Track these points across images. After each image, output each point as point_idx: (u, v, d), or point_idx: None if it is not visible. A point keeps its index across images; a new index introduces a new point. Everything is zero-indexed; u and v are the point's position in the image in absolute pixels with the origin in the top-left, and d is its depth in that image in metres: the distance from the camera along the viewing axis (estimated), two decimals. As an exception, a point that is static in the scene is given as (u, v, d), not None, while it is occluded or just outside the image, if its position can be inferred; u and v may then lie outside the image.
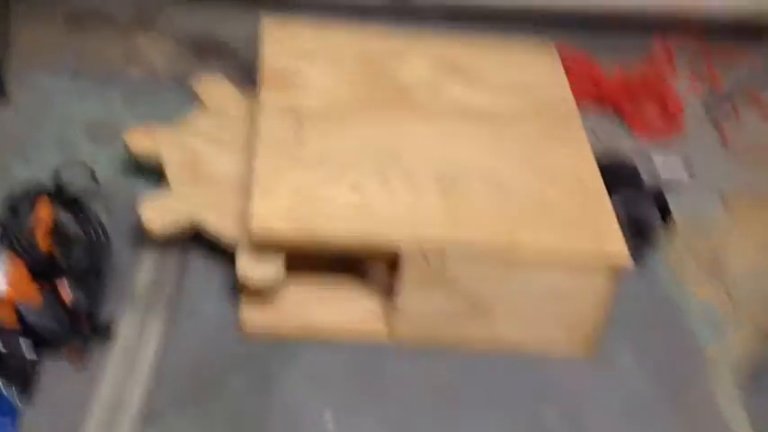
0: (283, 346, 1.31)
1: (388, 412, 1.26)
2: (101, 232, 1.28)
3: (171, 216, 1.33)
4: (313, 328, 1.33)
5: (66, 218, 1.28)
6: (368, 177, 1.30)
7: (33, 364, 1.21)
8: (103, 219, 1.31)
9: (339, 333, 1.33)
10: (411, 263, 1.24)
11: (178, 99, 1.56)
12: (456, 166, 1.34)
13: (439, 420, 1.27)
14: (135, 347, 1.25)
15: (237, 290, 1.33)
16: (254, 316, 1.33)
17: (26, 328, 1.20)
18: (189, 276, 1.37)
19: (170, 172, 1.38)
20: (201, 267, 1.38)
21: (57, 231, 1.25)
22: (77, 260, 1.25)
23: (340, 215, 1.25)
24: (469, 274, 1.26)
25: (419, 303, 1.29)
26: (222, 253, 1.36)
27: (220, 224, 1.33)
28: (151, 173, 1.44)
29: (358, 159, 1.33)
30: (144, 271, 1.34)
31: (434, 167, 1.33)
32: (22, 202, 1.22)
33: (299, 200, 1.27)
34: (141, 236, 1.36)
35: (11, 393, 1.18)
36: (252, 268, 1.26)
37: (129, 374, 1.23)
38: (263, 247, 1.26)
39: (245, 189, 1.32)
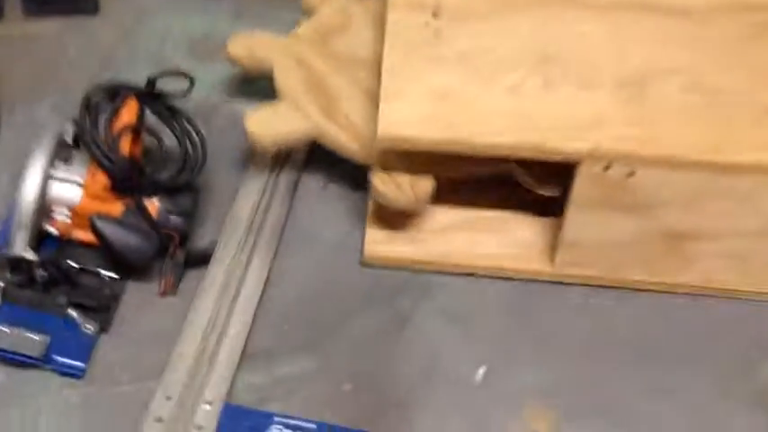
0: (417, 282, 1.05)
1: (554, 367, 0.98)
2: (199, 145, 1.04)
3: (283, 127, 1.10)
4: (453, 260, 1.06)
5: (158, 126, 1.05)
6: (529, 79, 1.02)
7: (113, 289, 1.00)
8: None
9: (488, 268, 1.06)
10: (587, 179, 0.96)
11: (292, 16, 1.33)
12: (642, 68, 1.04)
13: (625, 379, 0.97)
14: (237, 278, 1.02)
15: (362, 214, 1.08)
16: (380, 245, 1.07)
17: (106, 247, 0.98)
18: (301, 199, 1.12)
19: (281, 80, 1.14)
20: (315, 189, 1.14)
21: (145, 140, 1.03)
22: (170, 175, 1.02)
23: (494, 122, 0.98)
24: (664, 196, 0.97)
25: (594, 232, 1.01)
26: (340, 171, 1.12)
27: (343, 136, 1.08)
28: (257, 92, 1.21)
29: (514, 59, 1.05)
30: (248, 193, 1.11)
31: (614, 69, 1.04)
32: (104, 102, 1.00)
33: (441, 104, 1.00)
34: (245, 157, 1.14)
35: (88, 327, 0.97)
36: (388, 186, 1.01)
37: (229, 308, 0.99)
38: (397, 159, 1.00)
39: (371, 96, 1.07)
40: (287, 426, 0.90)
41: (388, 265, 1.07)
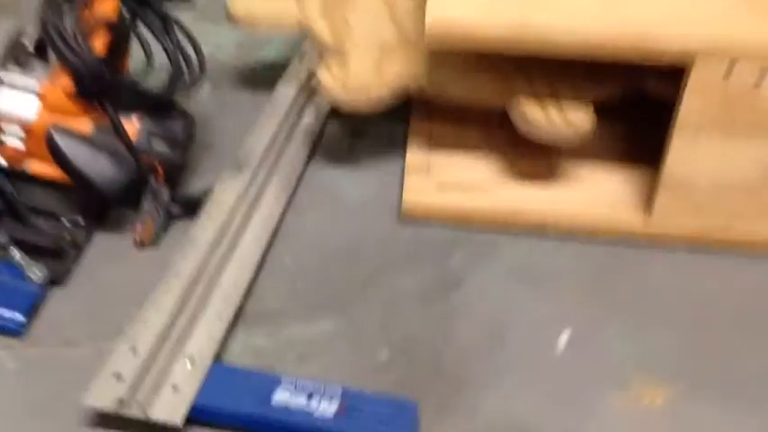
0: (472, 240, 0.81)
1: (659, 337, 0.72)
2: (195, 61, 0.82)
3: (268, 9, 0.89)
4: (521, 216, 0.82)
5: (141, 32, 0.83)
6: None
7: (74, 236, 0.75)
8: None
9: (565, 225, 0.82)
10: (700, 88, 0.72)
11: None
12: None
13: (742, 352, 0.71)
14: (235, 227, 0.77)
15: (396, 173, 0.85)
16: (425, 194, 0.83)
17: (67, 170, 0.75)
18: (325, 151, 0.89)
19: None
20: (341, 141, 0.91)
21: (126, 42, 0.81)
22: (155, 90, 0.80)
23: (579, 7, 0.76)
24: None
25: (706, 167, 0.77)
26: (371, 125, 0.90)
27: (329, 37, 0.86)
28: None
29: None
30: (258, 136, 0.88)
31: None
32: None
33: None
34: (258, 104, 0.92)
35: (35, 273, 0.72)
36: (541, 115, 0.79)
37: (222, 260, 0.74)
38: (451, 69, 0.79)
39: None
40: (302, 389, 0.64)
41: (434, 218, 0.83)
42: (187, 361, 0.65)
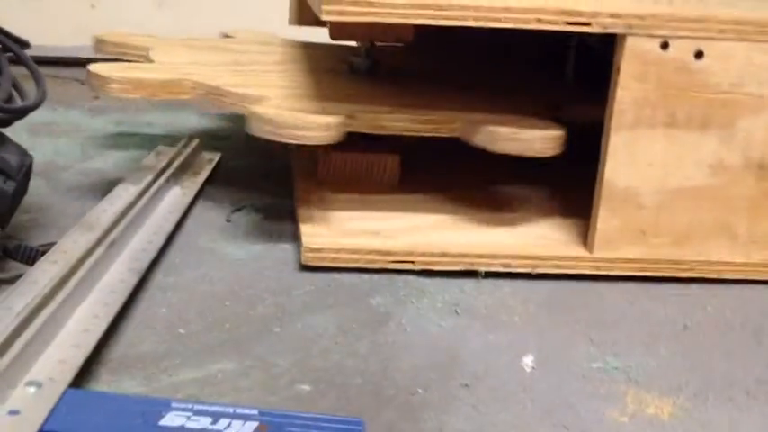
0: (390, 280, 0.66)
1: (624, 353, 0.58)
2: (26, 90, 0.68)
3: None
4: (441, 254, 0.69)
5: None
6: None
7: None
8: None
9: (496, 260, 0.69)
10: (635, 64, 0.65)
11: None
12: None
13: (722, 362, 0.59)
14: (85, 274, 0.59)
15: (277, 234, 0.71)
16: (324, 240, 0.69)
17: None
18: (196, 219, 0.74)
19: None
20: (215, 216, 0.76)
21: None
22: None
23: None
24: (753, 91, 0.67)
25: (648, 174, 0.68)
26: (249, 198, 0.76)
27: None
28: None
29: None
30: (108, 202, 0.71)
31: None
32: None
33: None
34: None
35: None
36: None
37: (73, 301, 0.55)
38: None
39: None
40: (202, 413, 0.44)
41: (342, 262, 0.68)
42: (28, 386, 0.44)
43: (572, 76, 0.93)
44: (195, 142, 0.91)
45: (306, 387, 0.52)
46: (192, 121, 1.08)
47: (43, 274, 0.57)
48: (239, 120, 1.08)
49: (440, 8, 0.63)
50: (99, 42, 0.89)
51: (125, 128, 1.04)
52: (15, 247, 0.61)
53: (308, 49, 0.98)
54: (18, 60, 0.69)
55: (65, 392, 0.45)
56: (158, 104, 1.15)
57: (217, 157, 0.92)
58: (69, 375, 0.46)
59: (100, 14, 1.38)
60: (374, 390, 0.52)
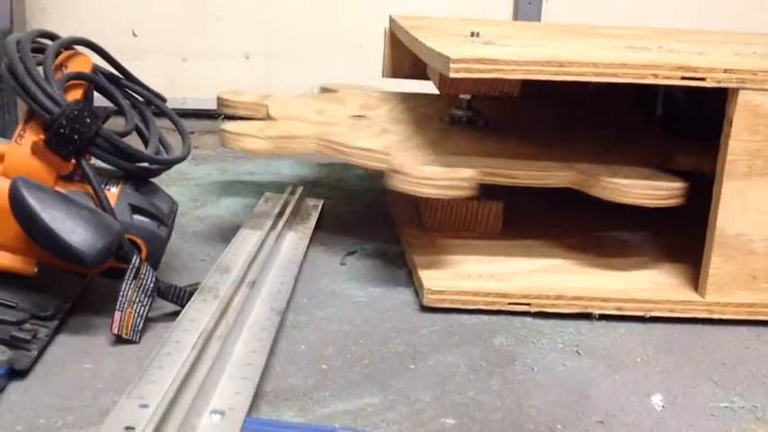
0: (509, 322, 0.69)
1: (751, 394, 0.61)
2: (170, 144, 0.73)
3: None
4: (558, 296, 0.72)
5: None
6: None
7: (35, 321, 0.59)
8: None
9: (611, 304, 0.72)
10: (747, 116, 0.68)
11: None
12: None
13: None
14: (235, 314, 0.63)
15: (392, 279, 0.75)
16: (443, 282, 0.72)
17: (33, 232, 0.60)
18: (314, 263, 0.78)
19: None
20: (326, 253, 0.81)
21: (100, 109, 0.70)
22: (143, 153, 0.69)
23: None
24: None
25: (760, 220, 0.71)
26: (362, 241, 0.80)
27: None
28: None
29: None
30: (238, 244, 0.76)
31: None
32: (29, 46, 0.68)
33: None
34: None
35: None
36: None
37: (230, 337, 0.59)
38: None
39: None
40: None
41: (462, 303, 0.71)
42: (213, 414, 0.48)
43: (661, 126, 0.96)
44: (300, 189, 0.96)
45: (450, 421, 0.55)
46: (288, 168, 1.13)
47: (199, 313, 0.61)
48: (333, 167, 1.13)
49: (561, 65, 0.67)
50: (220, 101, 0.95)
51: (229, 176, 1.09)
52: (167, 288, 0.66)
53: (408, 100, 1.02)
54: (161, 114, 0.74)
55: (245, 420, 0.48)
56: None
57: (320, 203, 0.96)
58: (246, 404, 0.50)
59: (190, 67, 1.45)
60: (515, 425, 0.55)
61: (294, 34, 1.46)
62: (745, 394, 0.61)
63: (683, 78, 0.67)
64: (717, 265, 0.70)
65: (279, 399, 0.56)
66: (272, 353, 0.62)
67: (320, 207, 0.95)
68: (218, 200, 0.99)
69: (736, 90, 0.68)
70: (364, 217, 0.96)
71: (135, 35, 1.44)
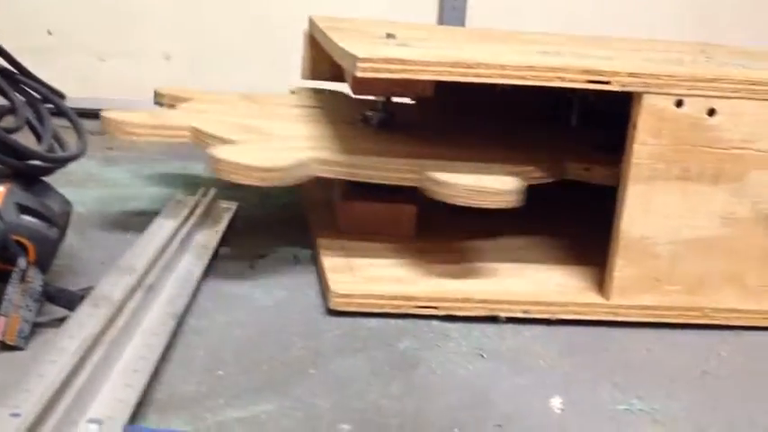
0: (416, 325, 0.68)
1: (648, 395, 0.61)
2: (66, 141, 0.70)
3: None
4: (464, 299, 0.71)
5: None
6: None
7: None
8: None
9: (517, 306, 0.71)
10: (651, 121, 0.68)
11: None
12: None
13: (745, 405, 0.62)
14: (126, 320, 0.61)
15: (300, 283, 0.74)
16: (350, 286, 0.71)
17: None
18: (220, 266, 0.76)
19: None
20: (236, 255, 0.79)
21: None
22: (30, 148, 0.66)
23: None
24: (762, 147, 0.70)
25: (663, 224, 0.71)
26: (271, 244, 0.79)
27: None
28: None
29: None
30: (141, 247, 0.74)
31: None
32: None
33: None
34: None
35: None
36: None
37: (119, 344, 0.57)
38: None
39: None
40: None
41: (369, 307, 0.70)
42: (90, 424, 0.46)
43: (576, 129, 0.97)
44: (213, 191, 0.94)
45: (346, 426, 0.54)
46: (202, 171, 1.10)
47: (88, 317, 0.59)
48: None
49: (468, 66, 0.66)
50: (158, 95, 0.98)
51: (141, 178, 1.06)
52: (57, 292, 0.63)
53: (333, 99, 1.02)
54: (59, 112, 0.71)
55: (125, 429, 0.46)
56: (169, 155, 1.18)
57: (233, 206, 0.94)
58: (126, 413, 0.48)
59: (108, 68, 1.42)
60: (413, 429, 0.54)
61: (217, 35, 1.43)
62: (644, 396, 0.61)
63: (589, 82, 0.67)
64: (621, 268, 0.70)
65: (169, 407, 0.54)
66: (166, 359, 0.60)
67: (233, 210, 0.93)
68: (127, 202, 0.96)
69: (640, 94, 0.68)
70: (279, 220, 0.94)
71: (50, 33, 1.40)
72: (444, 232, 0.85)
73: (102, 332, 0.55)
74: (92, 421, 0.46)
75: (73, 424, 0.46)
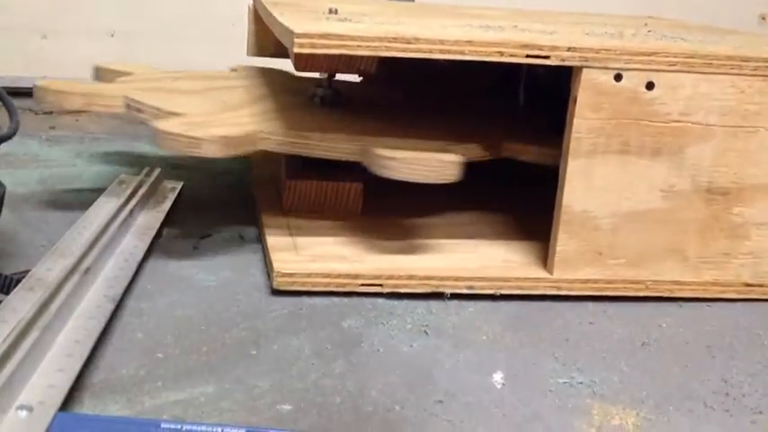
0: (360, 303, 0.68)
1: (588, 370, 0.61)
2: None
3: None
4: (408, 277, 0.71)
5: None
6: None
7: None
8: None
9: (461, 282, 0.71)
10: (590, 95, 0.68)
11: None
12: None
13: (682, 376, 0.62)
14: (63, 301, 0.60)
15: (245, 265, 0.73)
16: (294, 265, 0.70)
17: None
18: (164, 247, 0.75)
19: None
20: (179, 235, 0.78)
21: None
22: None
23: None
24: (700, 119, 0.71)
25: (604, 198, 0.71)
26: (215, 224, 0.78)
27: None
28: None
29: None
30: (78, 229, 0.72)
31: None
32: None
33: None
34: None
35: None
36: None
37: (54, 328, 0.56)
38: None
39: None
40: (190, 432, 0.45)
41: (313, 285, 0.69)
42: (20, 410, 0.45)
43: (523, 104, 0.97)
44: (157, 171, 0.92)
45: (287, 407, 0.54)
46: (148, 150, 1.09)
47: (22, 302, 0.57)
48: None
49: (407, 41, 0.66)
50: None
51: (84, 158, 1.04)
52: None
53: (276, 77, 1.00)
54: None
55: (56, 416, 0.45)
56: (114, 135, 1.16)
57: (179, 185, 0.93)
58: (59, 399, 0.47)
59: (51, 45, 1.39)
60: (353, 407, 0.54)
61: (162, 12, 1.41)
62: (584, 370, 0.61)
63: (528, 56, 0.67)
64: (563, 242, 0.71)
65: (105, 391, 0.53)
66: (104, 343, 0.59)
67: (178, 189, 0.92)
68: (70, 183, 0.94)
69: (579, 68, 0.68)
70: (225, 199, 0.93)
71: (-10, 11, 1.36)
72: (391, 210, 0.84)
73: (36, 317, 0.54)
74: (21, 408, 0.45)
75: (1, 411, 0.45)
